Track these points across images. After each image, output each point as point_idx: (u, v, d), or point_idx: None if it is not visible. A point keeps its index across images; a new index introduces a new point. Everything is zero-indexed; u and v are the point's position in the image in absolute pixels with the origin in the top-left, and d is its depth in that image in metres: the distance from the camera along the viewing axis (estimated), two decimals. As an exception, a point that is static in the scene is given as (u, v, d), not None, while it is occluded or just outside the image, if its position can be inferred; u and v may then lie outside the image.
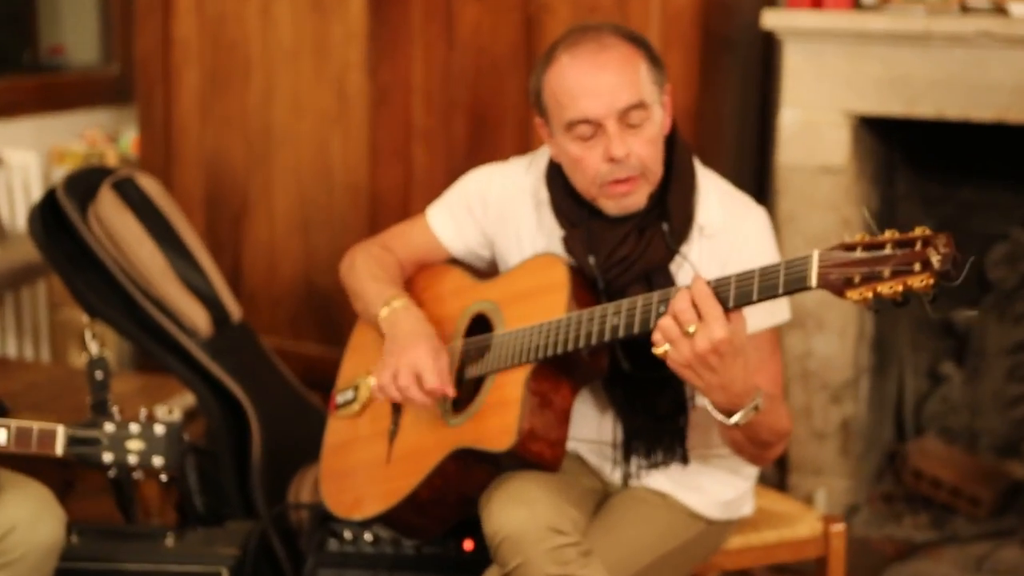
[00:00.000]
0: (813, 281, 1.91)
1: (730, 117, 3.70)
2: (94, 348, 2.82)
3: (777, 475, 3.59)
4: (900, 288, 1.83)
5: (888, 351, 3.85)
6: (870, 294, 1.86)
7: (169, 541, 2.76)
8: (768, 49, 3.68)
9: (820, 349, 3.50)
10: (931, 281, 1.81)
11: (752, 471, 2.49)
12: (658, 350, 2.04)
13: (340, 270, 2.64)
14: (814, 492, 3.56)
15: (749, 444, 2.21)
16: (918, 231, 1.84)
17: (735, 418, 2.10)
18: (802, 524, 2.64)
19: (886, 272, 1.84)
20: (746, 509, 2.53)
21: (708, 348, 1.99)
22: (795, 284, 1.94)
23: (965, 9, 3.28)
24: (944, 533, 3.57)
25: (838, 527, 2.64)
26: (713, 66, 3.50)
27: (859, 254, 1.87)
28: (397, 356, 2.35)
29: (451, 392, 2.34)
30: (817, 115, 3.37)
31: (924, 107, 3.29)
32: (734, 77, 3.68)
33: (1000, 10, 3.22)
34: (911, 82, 3.28)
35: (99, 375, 2.76)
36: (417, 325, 2.41)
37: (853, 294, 1.87)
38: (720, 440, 2.39)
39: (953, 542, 3.52)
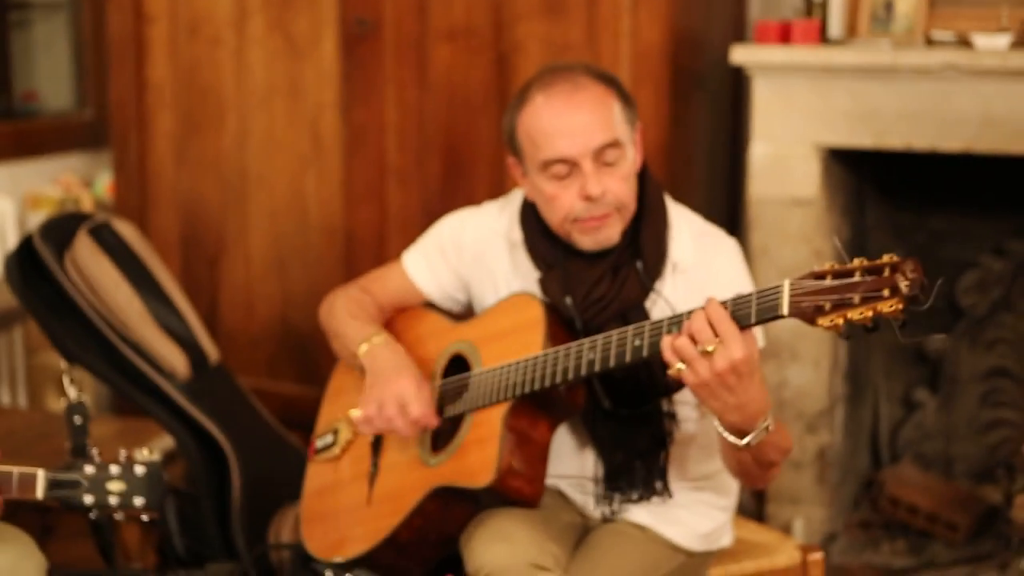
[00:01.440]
0: (785, 310, 1.94)
1: (701, 152, 3.74)
2: (72, 393, 2.82)
3: (754, 505, 3.60)
4: (870, 314, 1.86)
5: (862, 380, 3.87)
6: (841, 321, 1.89)
7: (150, 585, 2.76)
8: (737, 84, 3.71)
9: (794, 379, 3.52)
10: (900, 306, 1.84)
11: (730, 503, 2.50)
12: (672, 370, 2.04)
13: (320, 313, 2.66)
14: (792, 521, 3.57)
15: (755, 465, 2.19)
16: (886, 258, 1.87)
17: (748, 439, 2.09)
18: (780, 554, 2.65)
19: (856, 299, 1.87)
20: (725, 540, 2.54)
21: (727, 367, 1.99)
22: (767, 313, 1.97)
23: (930, 42, 3.33)
24: (922, 559, 3.59)
25: (816, 556, 2.65)
26: (683, 102, 3.54)
27: (829, 282, 1.90)
28: (381, 388, 2.37)
29: (434, 422, 2.36)
30: (787, 148, 3.40)
31: (893, 139, 3.32)
32: (704, 112, 3.72)
33: (964, 42, 3.27)
34: (879, 115, 3.31)
35: (78, 420, 2.74)
36: (398, 358, 2.43)
37: (824, 321, 1.90)
38: (698, 473, 2.41)
39: (931, 568, 3.53)
